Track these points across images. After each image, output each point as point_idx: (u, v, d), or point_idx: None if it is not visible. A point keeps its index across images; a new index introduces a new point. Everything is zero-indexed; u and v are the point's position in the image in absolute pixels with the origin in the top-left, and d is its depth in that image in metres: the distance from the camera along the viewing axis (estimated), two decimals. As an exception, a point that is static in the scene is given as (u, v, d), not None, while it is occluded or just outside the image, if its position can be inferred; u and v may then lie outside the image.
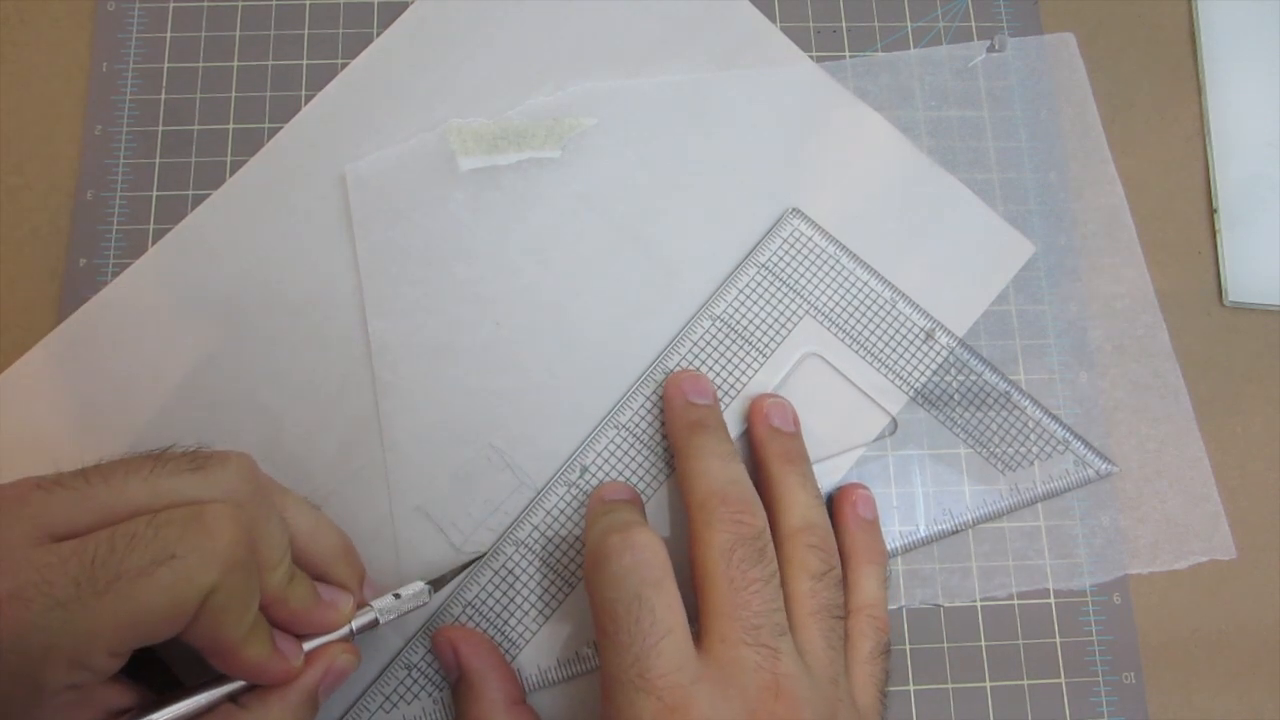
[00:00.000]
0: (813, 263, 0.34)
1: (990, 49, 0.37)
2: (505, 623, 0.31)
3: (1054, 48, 0.37)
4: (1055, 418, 0.34)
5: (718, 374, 0.33)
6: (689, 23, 0.36)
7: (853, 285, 0.34)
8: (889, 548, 0.32)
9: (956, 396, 0.34)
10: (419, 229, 0.34)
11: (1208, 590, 0.33)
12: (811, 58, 0.36)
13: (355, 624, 0.27)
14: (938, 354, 0.34)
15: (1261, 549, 0.34)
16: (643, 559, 0.26)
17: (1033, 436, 0.34)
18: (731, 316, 0.34)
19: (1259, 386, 0.35)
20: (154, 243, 0.34)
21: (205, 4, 0.36)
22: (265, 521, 0.25)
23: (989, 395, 0.34)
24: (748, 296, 0.34)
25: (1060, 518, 0.33)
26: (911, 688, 0.32)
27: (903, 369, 0.34)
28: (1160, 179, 0.36)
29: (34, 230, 0.34)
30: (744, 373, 0.33)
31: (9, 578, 0.21)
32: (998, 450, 0.33)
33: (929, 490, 0.33)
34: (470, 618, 0.31)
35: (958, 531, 0.33)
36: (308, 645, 0.26)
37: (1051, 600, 0.33)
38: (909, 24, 0.37)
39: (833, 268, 0.34)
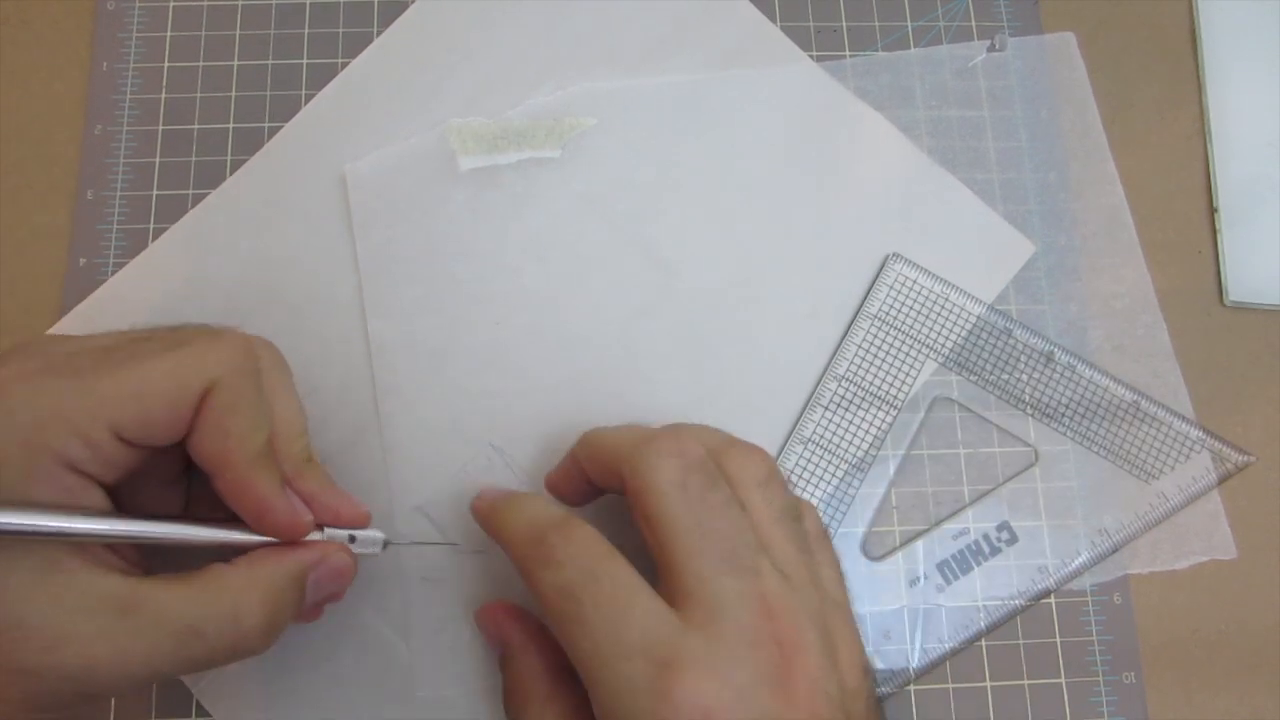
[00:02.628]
0: (922, 305, 0.34)
1: (990, 49, 0.37)
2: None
3: (1054, 47, 0.37)
4: (1185, 418, 0.34)
5: (853, 434, 0.33)
6: (689, 23, 0.36)
7: (965, 320, 0.34)
8: (1052, 583, 0.33)
9: (1088, 414, 0.34)
10: (419, 229, 0.34)
11: (1208, 590, 0.33)
12: (811, 58, 0.36)
13: (359, 534, 0.27)
14: (1060, 374, 0.34)
15: (1261, 549, 0.34)
16: (587, 542, 0.24)
17: (1168, 441, 0.34)
18: (855, 374, 0.33)
19: (1259, 386, 0.35)
20: (154, 242, 0.34)
21: (205, 3, 0.36)
22: (285, 390, 0.27)
23: (1118, 407, 0.34)
24: (867, 351, 0.34)
25: (1061, 518, 0.33)
26: (912, 688, 0.32)
27: (1030, 396, 0.34)
28: (1160, 179, 0.36)
29: (35, 230, 0.34)
30: (879, 428, 0.33)
31: (42, 358, 0.23)
32: (1138, 461, 0.33)
33: (1081, 514, 0.33)
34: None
35: (1117, 550, 0.33)
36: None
37: (1052, 600, 0.33)
38: (909, 24, 0.37)
39: (943, 306, 0.34)
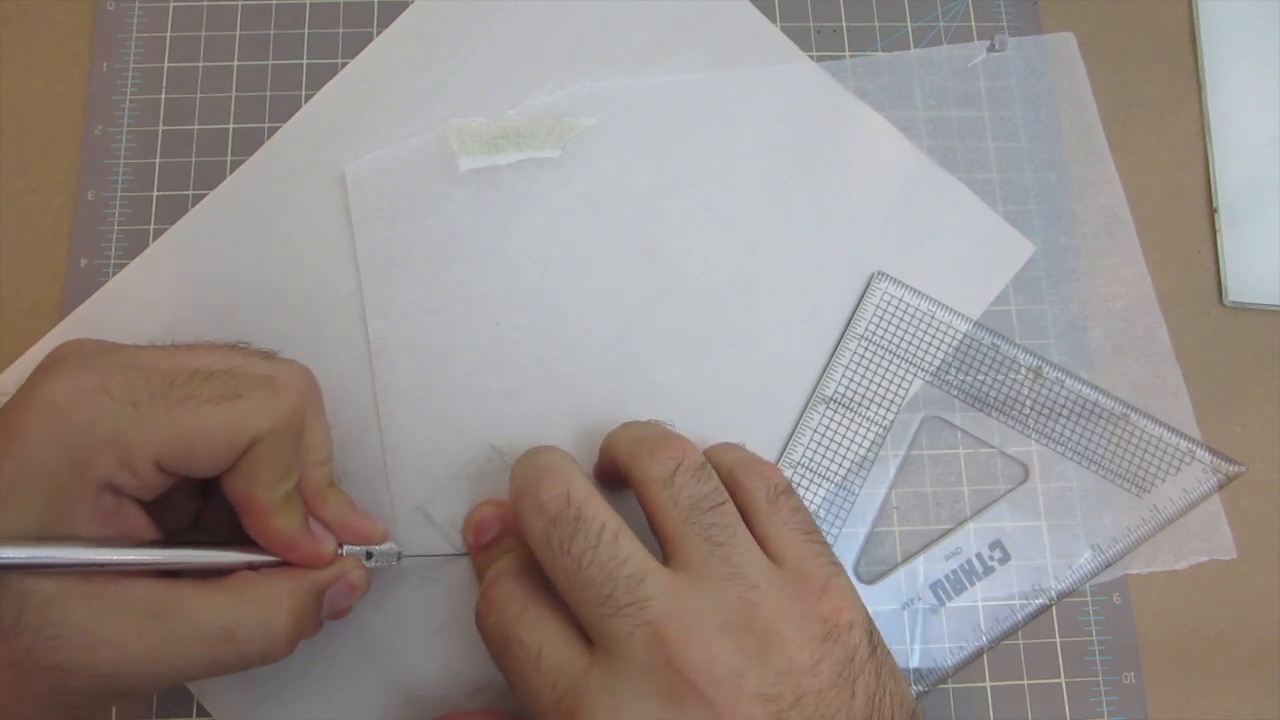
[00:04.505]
0: (909, 323, 0.34)
1: (990, 49, 0.37)
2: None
3: (1054, 48, 0.37)
4: (1174, 429, 0.34)
5: (844, 457, 0.33)
6: (689, 23, 0.36)
7: (952, 337, 0.34)
8: (1046, 599, 0.32)
9: (1078, 428, 0.34)
10: (419, 229, 0.34)
11: (1208, 590, 0.33)
12: (811, 58, 0.36)
13: (375, 549, 0.29)
14: (1049, 389, 0.34)
15: (1261, 549, 0.34)
16: (503, 610, 0.25)
17: (1159, 453, 0.34)
18: (843, 396, 0.33)
19: (1259, 386, 0.35)
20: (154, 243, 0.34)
21: (205, 4, 0.36)
22: (317, 419, 0.28)
23: (1108, 420, 0.34)
24: (854, 372, 0.34)
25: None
26: (912, 686, 0.32)
27: (1019, 411, 0.34)
28: (1160, 179, 0.36)
29: (36, 231, 0.34)
30: (869, 450, 0.33)
31: (99, 375, 0.24)
32: (1129, 474, 0.33)
33: (1074, 530, 0.33)
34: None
35: (1111, 565, 0.33)
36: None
37: (1051, 600, 0.33)
38: (909, 24, 0.37)
39: (929, 324, 0.34)
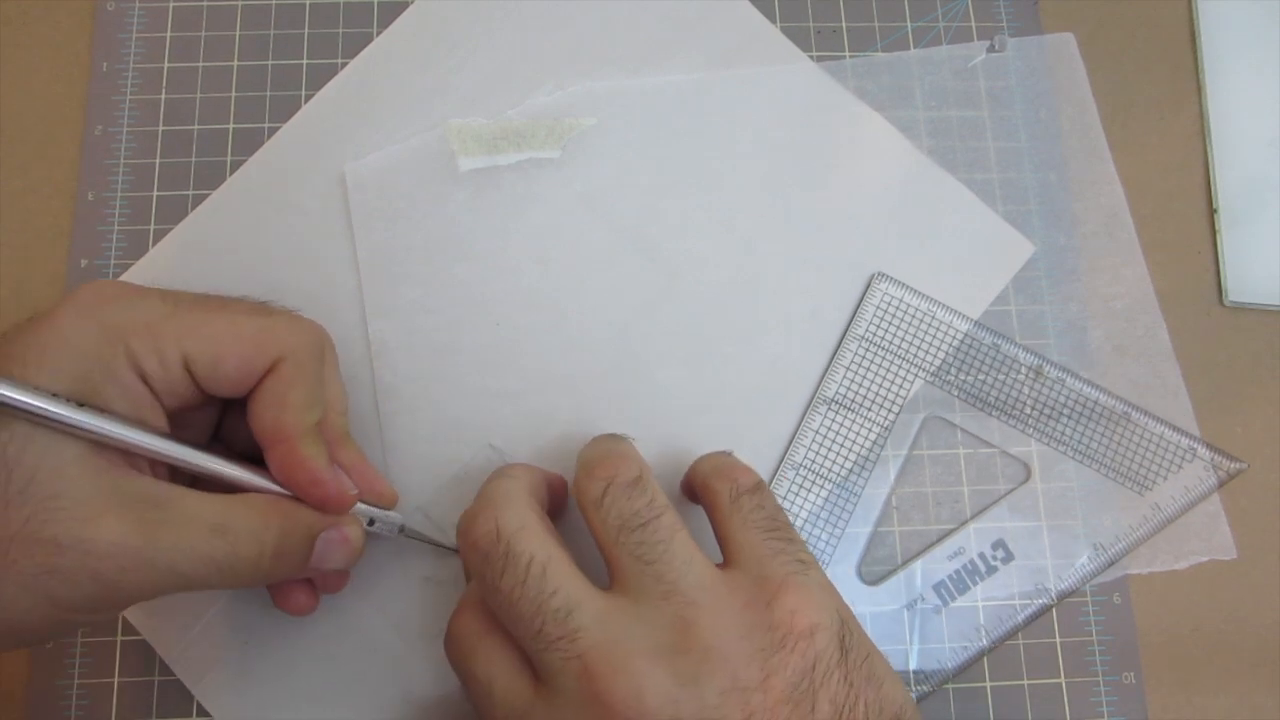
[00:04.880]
0: (909, 323, 0.34)
1: (990, 49, 0.37)
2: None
3: (1054, 48, 0.37)
4: (1175, 427, 0.34)
5: (845, 458, 0.33)
6: (689, 23, 0.36)
7: (953, 337, 0.34)
8: (1048, 599, 0.32)
9: (1079, 427, 0.34)
10: (419, 229, 0.34)
11: (1208, 590, 0.33)
12: (811, 58, 0.36)
13: (380, 514, 0.29)
14: (1049, 388, 0.34)
15: (1261, 549, 0.34)
16: (460, 637, 0.26)
17: (1160, 451, 0.34)
18: (845, 397, 0.33)
19: (1259, 386, 0.35)
20: (155, 243, 0.34)
21: (205, 4, 0.36)
22: (334, 372, 0.29)
23: (1109, 419, 0.34)
24: (855, 373, 0.34)
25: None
26: (913, 688, 0.32)
27: (1020, 411, 0.34)
28: (1160, 179, 0.36)
29: (36, 232, 0.34)
30: (870, 450, 0.33)
31: (143, 288, 0.26)
32: (1130, 472, 0.33)
33: (1076, 529, 0.33)
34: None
35: (1113, 564, 0.33)
36: None
37: (1052, 600, 0.33)
38: (909, 24, 0.37)
39: (929, 324, 0.34)
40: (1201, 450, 0.34)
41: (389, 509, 0.29)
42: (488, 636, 0.25)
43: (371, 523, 0.29)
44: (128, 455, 0.24)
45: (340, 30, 0.36)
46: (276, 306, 0.28)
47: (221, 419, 0.29)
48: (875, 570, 0.33)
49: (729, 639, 0.23)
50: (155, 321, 0.25)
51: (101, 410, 0.24)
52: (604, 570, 0.26)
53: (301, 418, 0.26)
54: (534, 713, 0.23)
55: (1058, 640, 0.33)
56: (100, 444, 0.24)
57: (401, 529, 0.30)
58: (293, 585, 0.29)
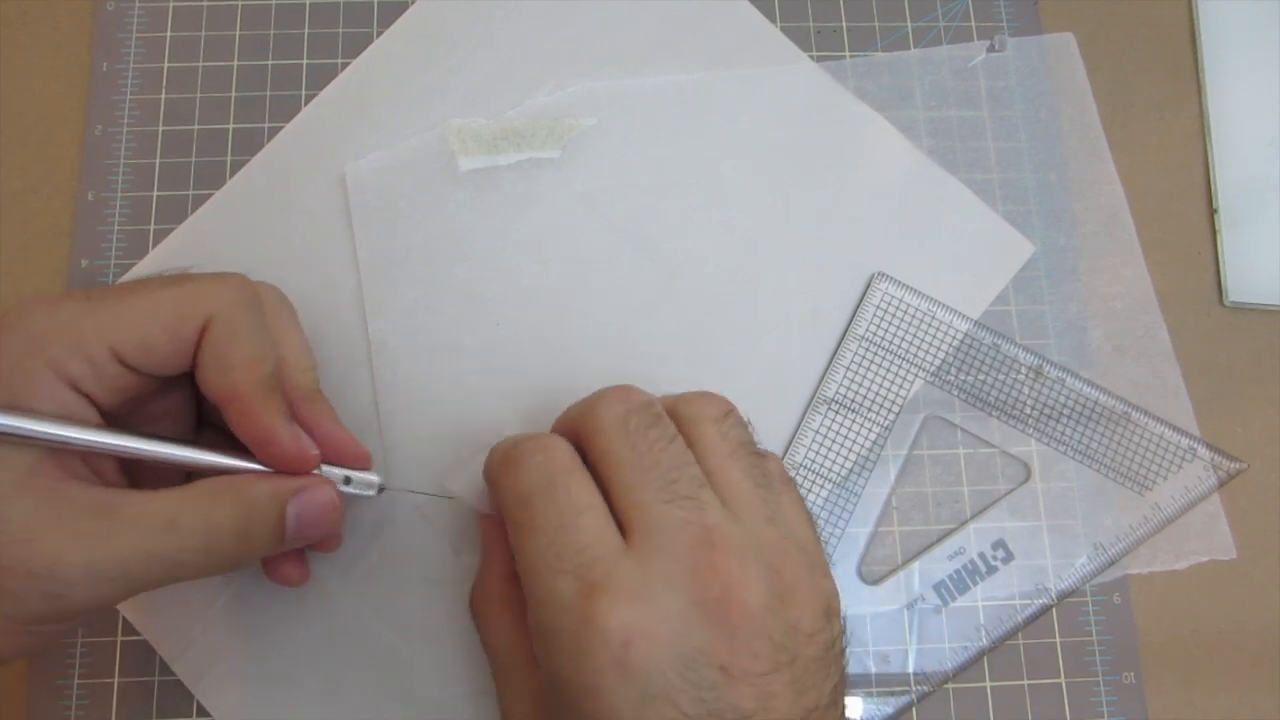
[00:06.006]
0: (909, 323, 0.34)
1: (990, 49, 0.37)
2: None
3: (1054, 48, 0.37)
4: (1175, 427, 0.34)
5: (845, 458, 0.33)
6: (689, 23, 0.36)
7: (953, 337, 0.34)
8: (1049, 599, 0.32)
9: (1079, 427, 0.34)
10: (419, 229, 0.34)
11: (1208, 590, 0.33)
12: (811, 58, 0.36)
13: (355, 474, 0.28)
14: (1050, 388, 0.34)
15: (1261, 549, 0.34)
16: (555, 453, 0.25)
17: (1160, 451, 0.34)
18: (845, 397, 0.33)
19: (1259, 386, 0.35)
20: (155, 243, 0.34)
21: (205, 4, 0.36)
22: (293, 329, 0.28)
23: (1109, 419, 0.34)
24: (855, 373, 0.33)
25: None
26: (913, 688, 0.32)
27: (1020, 411, 0.34)
28: (1160, 179, 0.36)
29: (36, 232, 0.34)
30: (870, 450, 0.33)
31: (62, 293, 0.25)
32: (1130, 472, 0.33)
33: (1076, 529, 0.33)
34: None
35: (1114, 563, 0.33)
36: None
37: (1052, 600, 0.33)
38: (909, 24, 0.37)
39: (929, 324, 0.34)
40: (1201, 450, 0.34)
41: (364, 470, 0.28)
42: (577, 472, 0.24)
43: (347, 481, 0.28)
44: (74, 467, 0.24)
45: (340, 30, 0.36)
46: (199, 272, 0.26)
47: (201, 404, 0.28)
48: (875, 570, 0.33)
49: (803, 587, 0.24)
50: (73, 322, 0.24)
51: (29, 414, 0.23)
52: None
53: (246, 374, 0.25)
54: (622, 560, 0.23)
55: (1058, 640, 0.33)
56: (42, 460, 0.23)
57: (380, 489, 0.28)
58: (280, 558, 0.28)
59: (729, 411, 0.27)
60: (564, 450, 0.25)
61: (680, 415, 0.26)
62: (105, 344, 0.24)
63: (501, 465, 0.26)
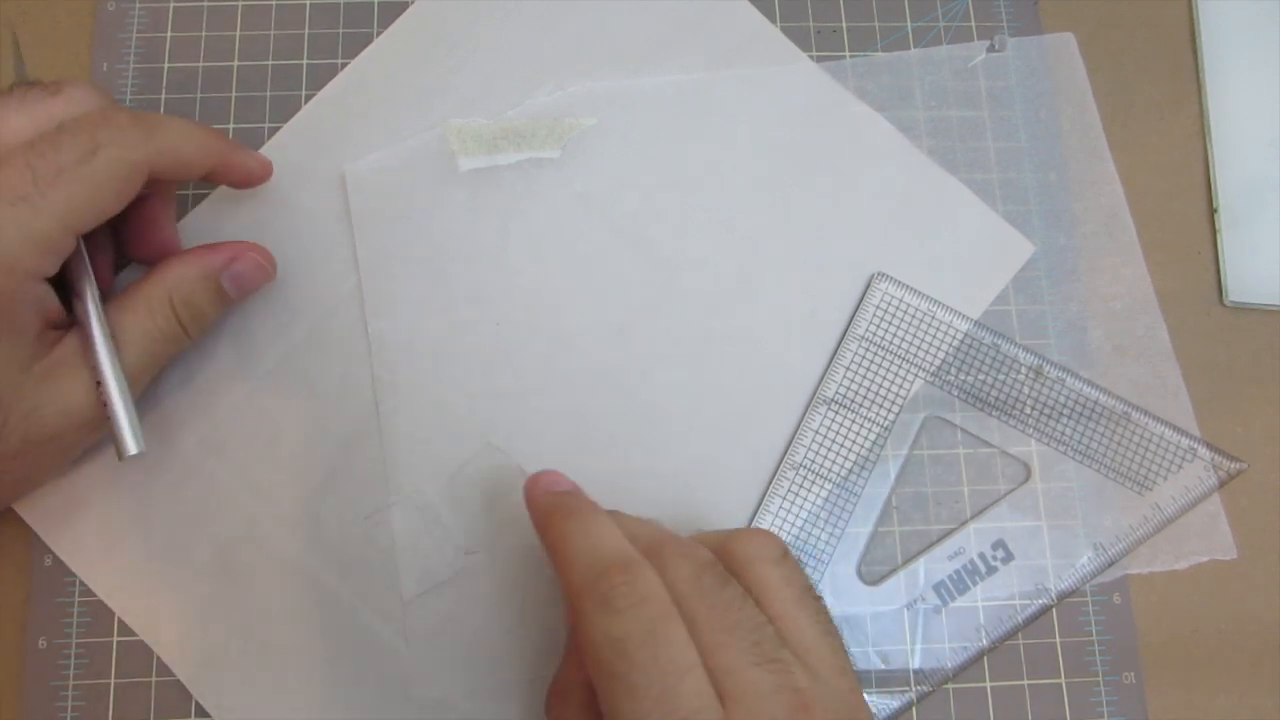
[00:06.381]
0: (909, 323, 0.34)
1: (990, 49, 0.37)
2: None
3: (1054, 48, 0.37)
4: (1175, 427, 0.34)
5: (845, 458, 0.33)
6: (689, 23, 0.36)
7: (952, 336, 0.34)
8: (1049, 599, 0.32)
9: (1079, 427, 0.34)
10: (419, 229, 0.34)
11: (1208, 590, 0.33)
12: (811, 58, 0.36)
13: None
14: (1049, 388, 0.34)
15: (1261, 549, 0.34)
16: (656, 602, 0.23)
17: (1160, 451, 0.33)
18: (844, 397, 0.33)
19: (1259, 386, 0.35)
20: (154, 243, 0.34)
21: (205, 4, 0.36)
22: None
23: (1109, 419, 0.34)
24: (855, 373, 0.33)
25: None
26: (913, 688, 0.32)
27: (1020, 411, 0.34)
28: (1160, 179, 0.36)
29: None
30: (870, 450, 0.33)
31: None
32: (1130, 472, 0.33)
33: (1076, 530, 0.33)
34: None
35: (1114, 564, 0.33)
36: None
37: (1052, 600, 0.33)
38: (909, 24, 0.37)
39: (929, 324, 0.34)
40: (1201, 450, 0.34)
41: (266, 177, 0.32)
42: (675, 621, 0.23)
43: None
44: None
45: (340, 30, 0.36)
46: (84, 120, 0.27)
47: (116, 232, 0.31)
48: (875, 570, 0.33)
49: None
50: (33, 225, 0.25)
51: None
52: None
53: (198, 157, 0.29)
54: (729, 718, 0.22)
55: (1058, 640, 0.33)
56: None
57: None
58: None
59: (785, 552, 0.26)
60: (664, 596, 0.24)
61: (735, 556, 0.26)
62: (65, 229, 0.26)
63: (589, 596, 0.24)
